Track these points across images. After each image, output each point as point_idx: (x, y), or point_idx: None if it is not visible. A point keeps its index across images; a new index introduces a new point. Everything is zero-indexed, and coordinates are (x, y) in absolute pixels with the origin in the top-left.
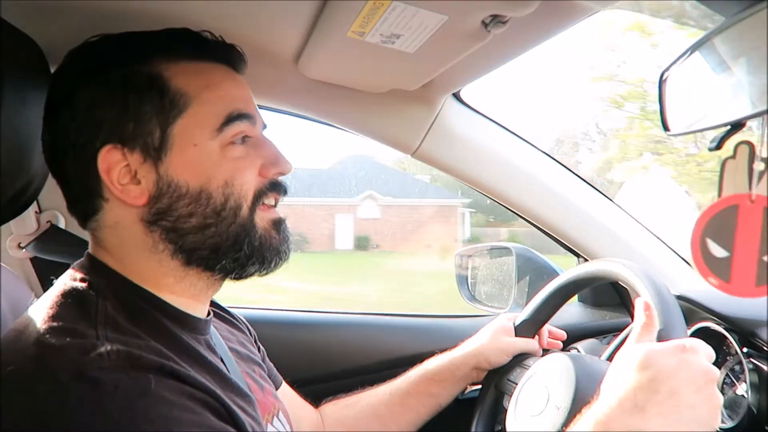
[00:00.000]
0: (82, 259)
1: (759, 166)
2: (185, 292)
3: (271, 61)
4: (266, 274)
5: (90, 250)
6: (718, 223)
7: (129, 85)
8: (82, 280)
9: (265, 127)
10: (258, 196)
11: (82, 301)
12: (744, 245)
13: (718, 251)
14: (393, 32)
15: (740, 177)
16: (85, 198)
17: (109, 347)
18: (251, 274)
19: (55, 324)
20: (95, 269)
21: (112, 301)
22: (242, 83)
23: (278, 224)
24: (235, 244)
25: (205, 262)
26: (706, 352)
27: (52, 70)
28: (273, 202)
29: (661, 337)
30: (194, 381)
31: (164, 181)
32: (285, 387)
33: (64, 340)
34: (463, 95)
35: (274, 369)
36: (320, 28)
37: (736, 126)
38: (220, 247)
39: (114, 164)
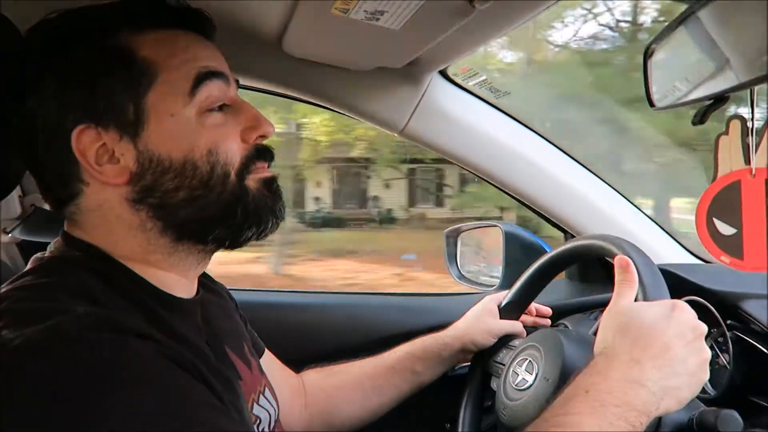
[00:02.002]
0: (57, 238)
1: (752, 139)
2: (174, 268)
3: (255, 40)
4: (263, 236)
5: (66, 229)
6: (723, 201)
7: (95, 61)
8: (60, 256)
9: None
10: (246, 164)
11: (58, 274)
12: (751, 220)
13: (725, 229)
14: (377, 9)
15: (735, 152)
16: (62, 183)
17: (86, 310)
18: (248, 240)
19: (29, 294)
20: (73, 245)
21: (90, 275)
22: (212, 47)
23: (270, 183)
24: (228, 212)
25: (197, 235)
26: (691, 311)
27: None
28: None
29: (647, 299)
30: (173, 347)
31: (145, 156)
32: (267, 354)
33: (39, 305)
34: (450, 72)
35: (257, 336)
36: (303, 6)
37: (720, 100)
38: (212, 217)
39: (89, 145)
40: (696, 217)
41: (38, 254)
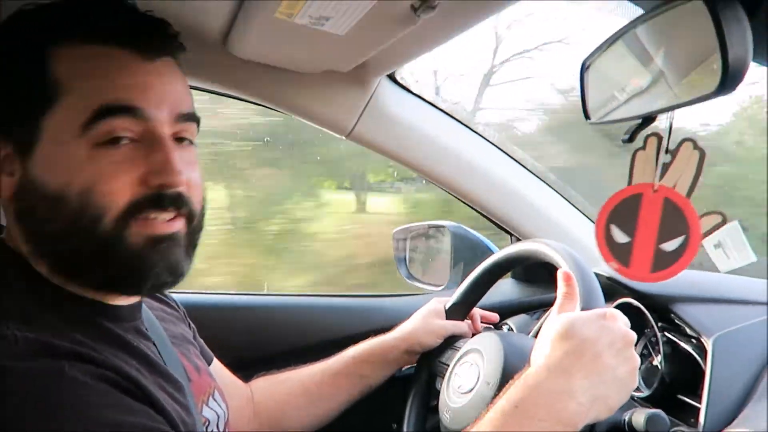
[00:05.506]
0: None
1: (665, 157)
2: (88, 293)
3: (198, 40)
4: (148, 293)
5: (3, 234)
6: (623, 210)
7: (14, 68)
8: None
9: (192, 119)
10: (133, 209)
11: None
12: (644, 232)
13: (620, 237)
14: (321, 14)
15: (648, 168)
16: None
17: (18, 334)
18: (130, 293)
19: None
20: (4, 256)
21: (22, 290)
22: (141, 71)
23: (158, 241)
24: (95, 259)
25: (69, 273)
26: (623, 319)
27: None
28: (167, 216)
29: (582, 308)
30: (112, 365)
31: (27, 178)
32: (216, 363)
33: None
34: (398, 76)
35: (205, 346)
36: (247, 9)
37: (649, 119)
38: (78, 260)
39: None
40: (597, 220)
41: None
